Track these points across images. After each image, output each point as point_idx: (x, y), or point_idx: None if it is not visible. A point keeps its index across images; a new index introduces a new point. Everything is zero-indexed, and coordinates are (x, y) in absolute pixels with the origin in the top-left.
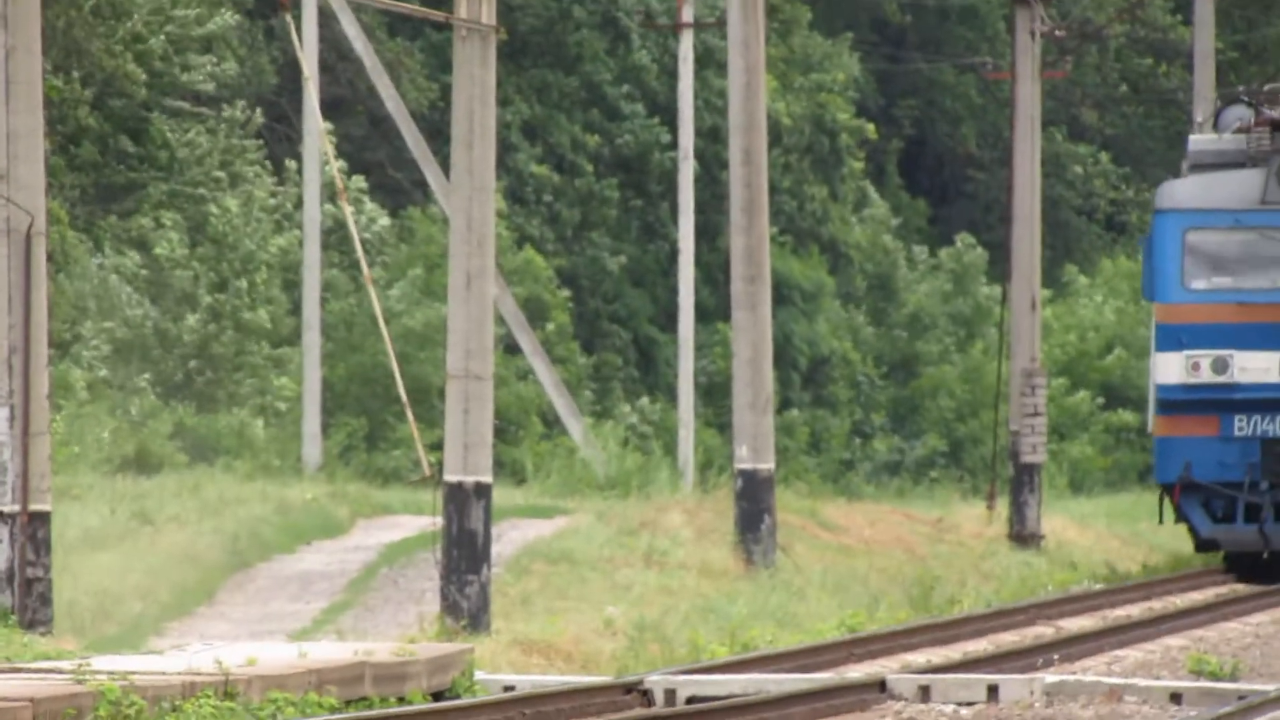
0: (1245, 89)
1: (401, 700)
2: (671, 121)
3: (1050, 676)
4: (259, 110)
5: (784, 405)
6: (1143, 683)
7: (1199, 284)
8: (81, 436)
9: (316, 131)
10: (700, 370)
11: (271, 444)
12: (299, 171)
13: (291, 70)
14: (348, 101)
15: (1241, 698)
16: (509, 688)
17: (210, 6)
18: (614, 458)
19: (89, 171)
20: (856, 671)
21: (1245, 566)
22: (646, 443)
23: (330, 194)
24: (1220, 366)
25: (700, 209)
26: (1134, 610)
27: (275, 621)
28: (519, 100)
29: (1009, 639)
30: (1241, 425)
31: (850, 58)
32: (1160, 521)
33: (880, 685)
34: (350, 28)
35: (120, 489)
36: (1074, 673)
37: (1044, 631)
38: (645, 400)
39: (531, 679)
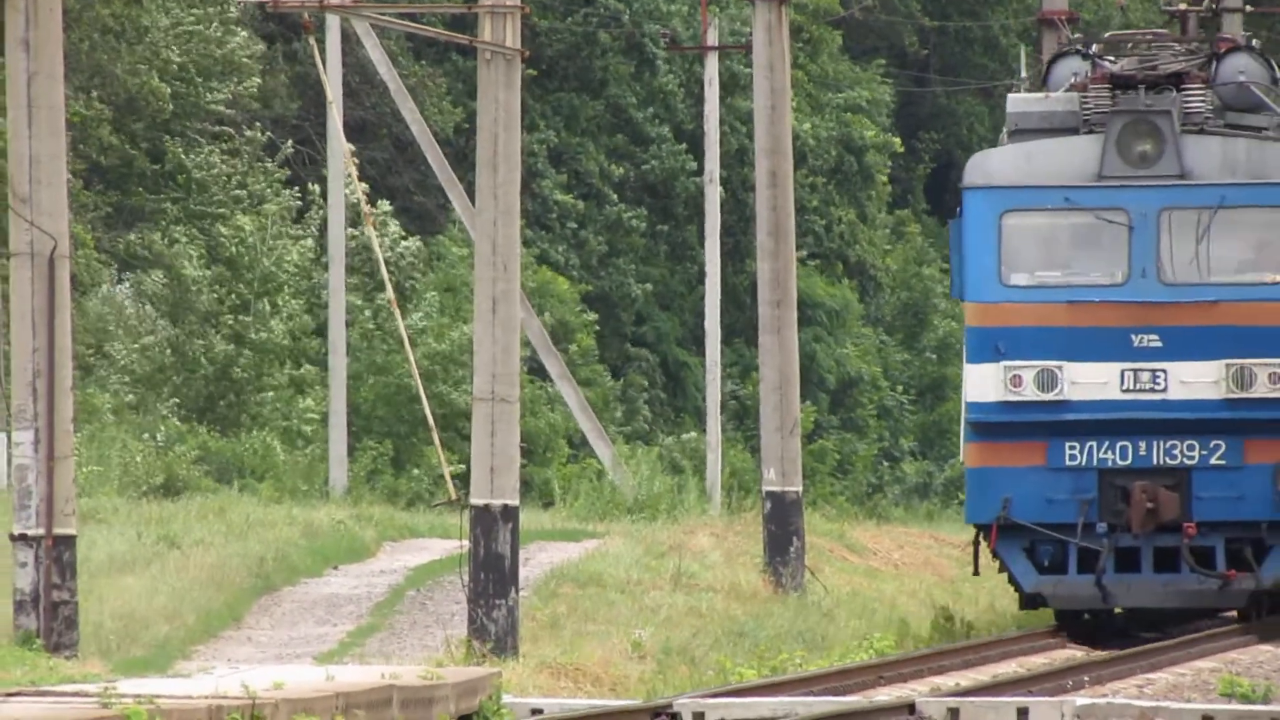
0: (1080, 37)
1: None
2: (697, 145)
3: (1080, 699)
4: (289, 142)
5: (814, 430)
6: (1174, 705)
7: (1020, 278)
8: (106, 460)
9: (340, 155)
10: (729, 393)
11: (297, 467)
12: (322, 195)
13: (315, 94)
14: (372, 125)
15: None
16: (537, 711)
17: (230, 28)
18: (642, 481)
19: (110, 193)
20: (885, 695)
21: (1080, 626)
22: (675, 465)
23: (354, 217)
24: (1047, 381)
25: (727, 231)
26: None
27: (302, 645)
28: (544, 126)
29: (1038, 661)
30: (1074, 453)
31: (879, 85)
32: (975, 572)
33: (909, 708)
34: (374, 52)
35: (146, 512)
36: (1104, 695)
37: (1074, 654)
38: (679, 428)
39: (560, 702)
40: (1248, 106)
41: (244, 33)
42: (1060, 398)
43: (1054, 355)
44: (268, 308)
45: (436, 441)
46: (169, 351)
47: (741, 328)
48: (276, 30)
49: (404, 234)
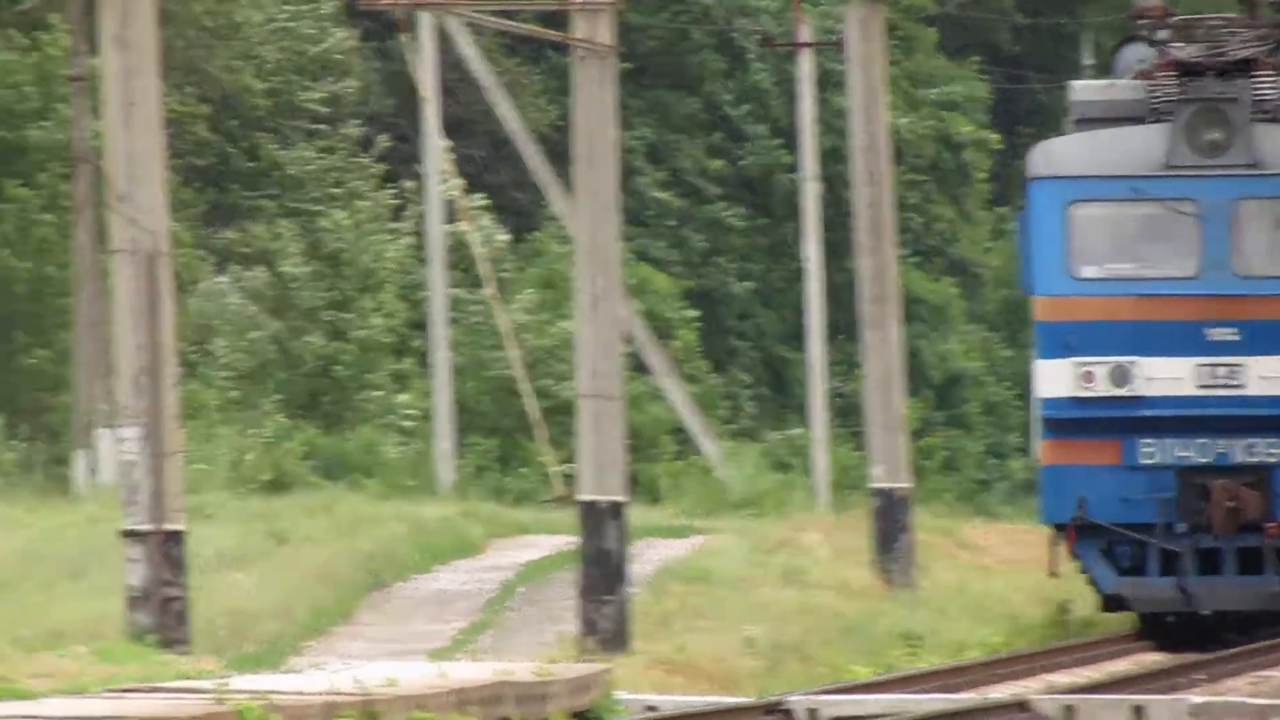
0: (1147, 22)
1: None
2: (793, 141)
3: (1196, 698)
4: (382, 137)
5: (921, 427)
6: None
7: (1090, 271)
8: (212, 456)
9: (436, 151)
10: (833, 389)
11: (403, 463)
12: (418, 191)
13: (411, 90)
14: (468, 122)
15: None
16: (651, 708)
17: (325, 26)
18: (749, 477)
19: (207, 190)
20: (999, 692)
21: (1165, 629)
22: (781, 462)
23: (450, 213)
24: (1120, 376)
25: (827, 227)
26: None
27: (414, 641)
28: (640, 123)
29: (1153, 659)
30: (1149, 451)
31: (976, 81)
32: (1053, 573)
33: (1023, 706)
34: (468, 49)
35: (253, 508)
36: (1220, 693)
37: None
38: (783, 425)
39: (674, 699)
40: None
41: (340, 31)
42: (1134, 393)
43: (1126, 350)
44: (368, 304)
45: (541, 439)
46: (272, 347)
47: (844, 324)
48: (371, 26)
49: (498, 228)
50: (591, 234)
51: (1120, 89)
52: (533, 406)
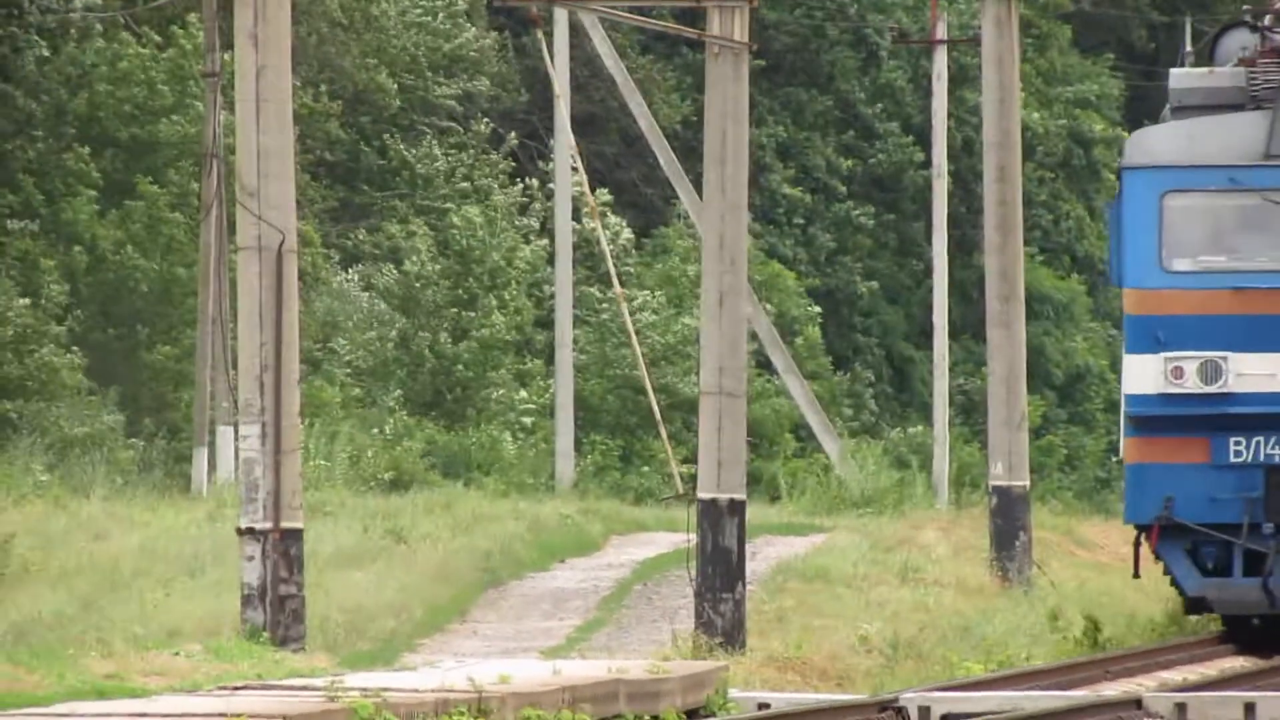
0: (1250, 8)
1: (656, 718)
2: (925, 139)
3: None
4: (512, 134)
5: (1042, 424)
6: None
7: (1182, 264)
8: (332, 454)
9: (566, 148)
10: (956, 387)
11: (524, 461)
12: (540, 189)
13: (543, 86)
14: (599, 119)
15: None
16: (764, 705)
17: (458, 21)
18: (869, 475)
19: (336, 187)
20: (1112, 689)
21: (1250, 633)
22: (902, 460)
23: (576, 210)
24: (1211, 372)
25: (954, 224)
26: None
27: (528, 639)
28: (772, 120)
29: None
30: (1239, 449)
31: (1109, 78)
32: (1136, 575)
33: (1136, 703)
34: (602, 45)
35: (372, 506)
36: None
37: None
38: (905, 423)
39: (786, 696)
40: None
41: (473, 28)
42: (1224, 390)
43: (1218, 345)
44: (494, 302)
45: (664, 435)
46: (394, 346)
47: (969, 322)
48: (505, 22)
49: (622, 225)
50: (719, 231)
51: (1220, 76)
52: (655, 404)
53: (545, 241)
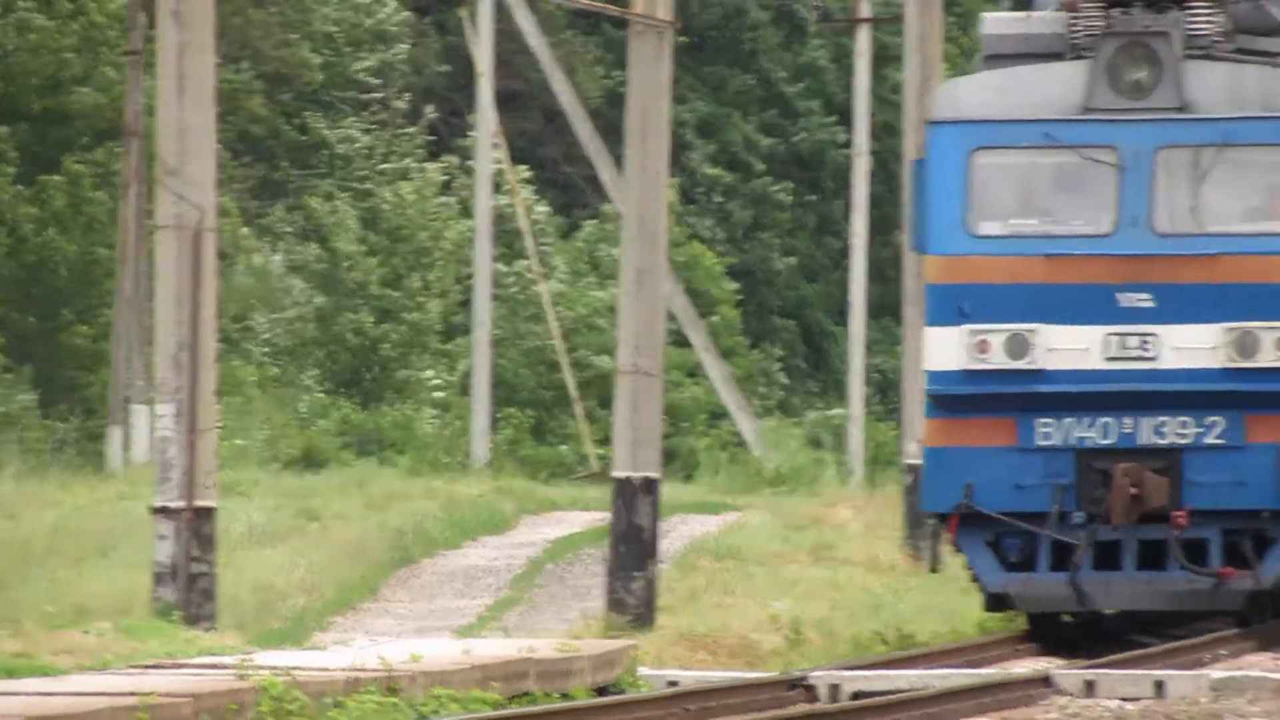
0: None
1: (565, 696)
2: (847, 118)
3: (1217, 672)
4: (430, 106)
5: None
6: None
7: (991, 227)
8: (248, 433)
9: (488, 126)
10: (873, 367)
11: (438, 440)
12: (460, 165)
13: (464, 64)
14: (523, 95)
15: None
16: (673, 683)
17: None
18: (785, 454)
19: (257, 165)
20: (1021, 667)
21: (1058, 632)
22: (818, 440)
23: (497, 186)
24: (1018, 347)
25: (875, 204)
26: None
27: (440, 618)
28: (694, 98)
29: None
30: (1048, 431)
31: None
32: (933, 569)
33: (1045, 680)
34: (525, 22)
35: (286, 485)
36: (1241, 668)
37: (1211, 626)
38: (824, 402)
39: (696, 674)
40: (1264, 29)
41: (393, 2)
42: (1033, 367)
43: (1027, 317)
44: (419, 283)
45: (579, 413)
46: (313, 326)
47: (887, 302)
48: (429, 1)
49: (535, 201)
50: (639, 209)
51: (1037, 22)
52: (570, 381)
53: (472, 222)
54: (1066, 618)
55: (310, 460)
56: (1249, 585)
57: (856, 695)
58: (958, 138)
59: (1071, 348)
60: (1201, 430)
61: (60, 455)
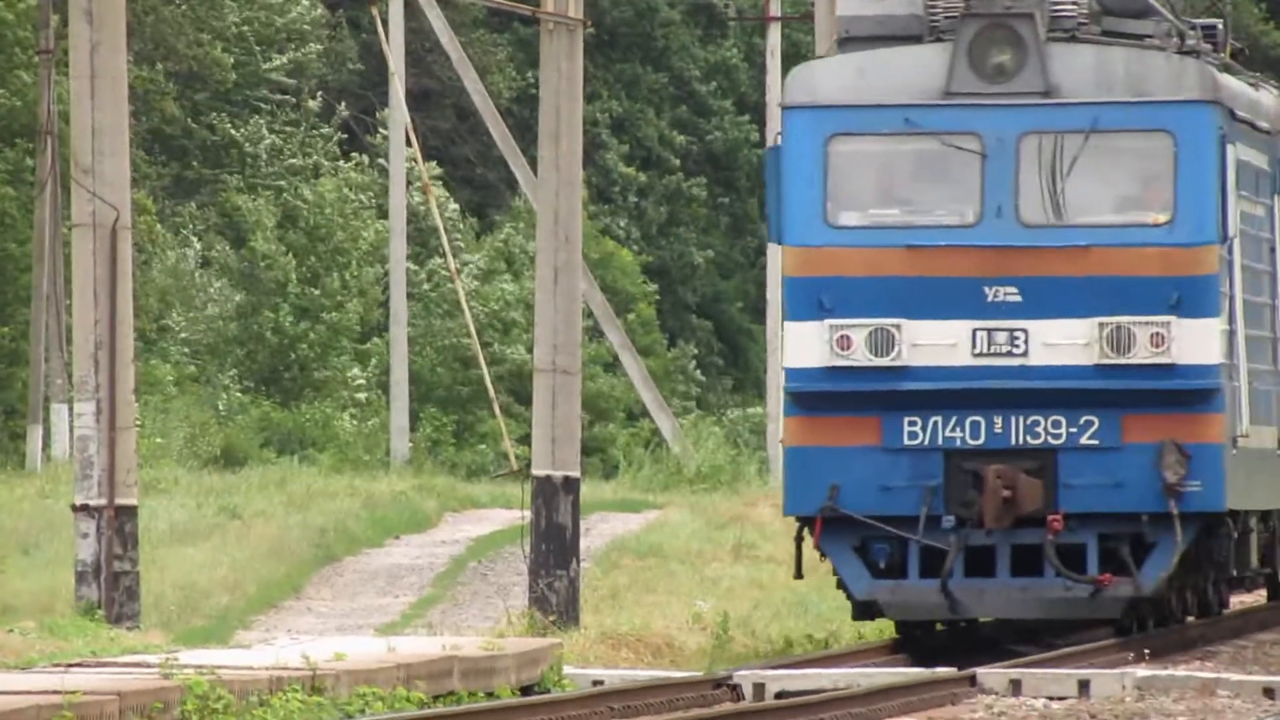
0: None
1: (490, 695)
2: (760, 117)
3: (1142, 671)
4: (343, 104)
5: None
6: (1235, 677)
7: (850, 218)
8: (168, 431)
9: (401, 125)
10: None
11: (359, 438)
12: (371, 164)
13: (377, 62)
14: (436, 94)
15: None
16: (598, 682)
17: None
18: (705, 452)
19: (171, 163)
20: (947, 666)
21: (930, 641)
22: (738, 438)
23: (410, 183)
24: (882, 343)
25: None
26: None
27: (363, 616)
28: (607, 96)
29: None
30: (914, 430)
31: None
32: (798, 575)
33: (971, 680)
34: (436, 21)
35: (207, 483)
36: (1165, 667)
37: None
38: (740, 403)
39: (620, 673)
40: (1131, 11)
41: (305, 1)
42: (898, 363)
43: (890, 312)
44: (337, 282)
45: (497, 413)
46: (232, 324)
47: None
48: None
49: (447, 199)
50: (554, 207)
51: (895, 3)
52: (488, 379)
53: (385, 224)
54: (940, 626)
55: (230, 458)
56: (1128, 592)
57: (781, 694)
58: (813, 124)
59: (938, 343)
60: (1076, 430)
61: None
